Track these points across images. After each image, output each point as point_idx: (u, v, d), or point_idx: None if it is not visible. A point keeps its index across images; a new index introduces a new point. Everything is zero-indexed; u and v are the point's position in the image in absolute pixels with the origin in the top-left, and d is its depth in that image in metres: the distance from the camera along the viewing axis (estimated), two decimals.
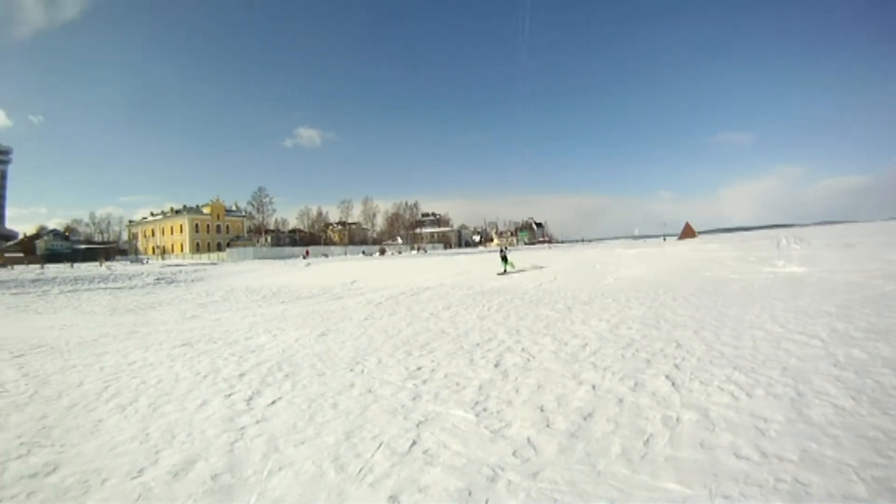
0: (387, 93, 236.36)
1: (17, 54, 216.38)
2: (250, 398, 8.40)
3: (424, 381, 8.80)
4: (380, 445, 6.13)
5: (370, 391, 8.43)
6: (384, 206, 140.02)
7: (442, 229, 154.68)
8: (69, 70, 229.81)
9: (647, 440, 5.80)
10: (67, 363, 12.68)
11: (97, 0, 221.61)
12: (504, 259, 34.68)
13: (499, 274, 32.81)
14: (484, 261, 40.25)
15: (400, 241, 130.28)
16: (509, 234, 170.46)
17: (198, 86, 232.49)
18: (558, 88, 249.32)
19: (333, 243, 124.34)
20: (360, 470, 5.50)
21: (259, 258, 79.76)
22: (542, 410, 6.96)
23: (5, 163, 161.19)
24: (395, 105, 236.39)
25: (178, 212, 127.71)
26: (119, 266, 57.43)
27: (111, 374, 11.02)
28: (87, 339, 16.36)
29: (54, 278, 41.94)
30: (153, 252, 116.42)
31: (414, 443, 6.17)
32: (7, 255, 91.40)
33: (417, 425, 6.74)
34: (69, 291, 37.25)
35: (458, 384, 8.51)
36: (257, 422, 7.21)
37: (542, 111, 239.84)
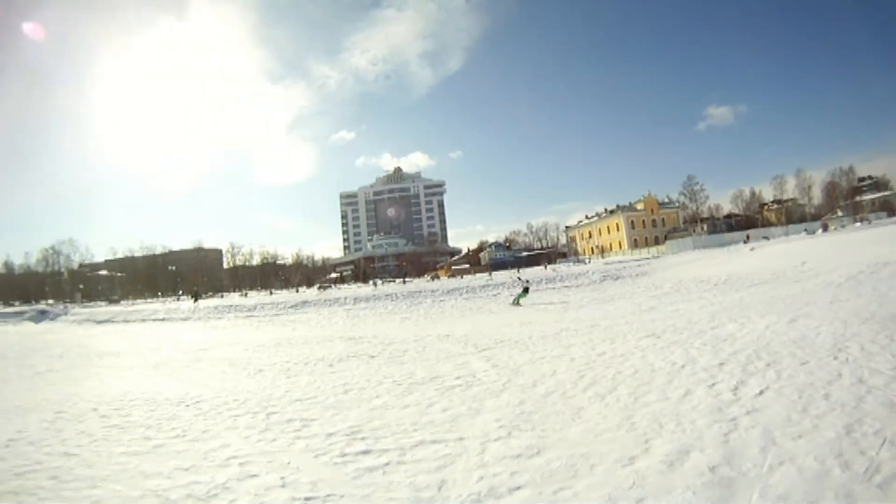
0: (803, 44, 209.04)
1: (421, 108, 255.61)
2: (735, 388, 8.12)
3: None
4: (883, 442, 5.47)
5: (861, 381, 7.62)
6: (818, 177, 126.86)
7: (882, 194, 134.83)
8: (470, 108, 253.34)
9: None
10: (535, 355, 13.53)
11: (475, 52, 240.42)
12: (525, 291, 33.81)
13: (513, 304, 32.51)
14: None
15: (840, 213, 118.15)
16: None
17: (601, 92, 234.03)
18: None
19: (770, 224, 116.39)
20: (867, 469, 4.95)
21: (698, 247, 78.03)
22: None
23: (441, 193, 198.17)
24: (819, 56, 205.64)
25: (612, 211, 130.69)
26: (563, 268, 60.05)
27: (583, 365, 11.48)
28: (548, 334, 17.29)
29: (502, 283, 44.97)
30: (592, 252, 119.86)
31: None
32: (454, 267, 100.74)
33: None
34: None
35: None
36: (748, 413, 6.91)
37: None
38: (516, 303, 32.29)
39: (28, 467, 7.19)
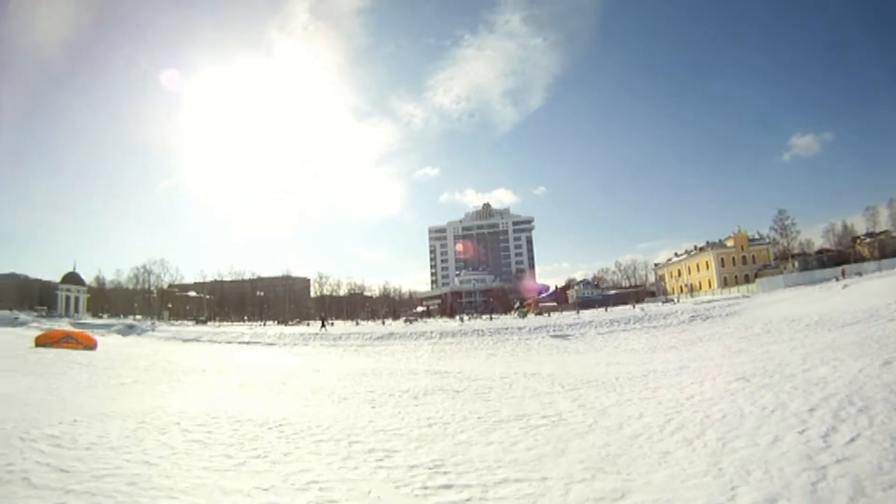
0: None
1: (504, 144, 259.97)
2: (826, 435, 7.91)
3: None
4: None
5: None
6: None
7: None
8: (553, 145, 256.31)
9: None
10: (622, 397, 13.47)
11: (556, 88, 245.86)
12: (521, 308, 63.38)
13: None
14: None
15: None
16: None
17: (682, 126, 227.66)
18: None
19: (863, 259, 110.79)
20: None
21: (789, 285, 75.71)
22: None
23: (529, 230, 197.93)
24: None
25: (701, 249, 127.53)
26: (651, 307, 59.21)
27: (671, 408, 11.33)
28: (636, 375, 17.15)
29: (590, 322, 44.61)
30: (681, 291, 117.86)
31: None
32: (542, 304, 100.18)
33: None
34: (605, 333, 39.46)
35: None
36: (838, 461, 6.76)
37: None
38: (522, 315, 58.82)
39: (107, 471, 7.42)
